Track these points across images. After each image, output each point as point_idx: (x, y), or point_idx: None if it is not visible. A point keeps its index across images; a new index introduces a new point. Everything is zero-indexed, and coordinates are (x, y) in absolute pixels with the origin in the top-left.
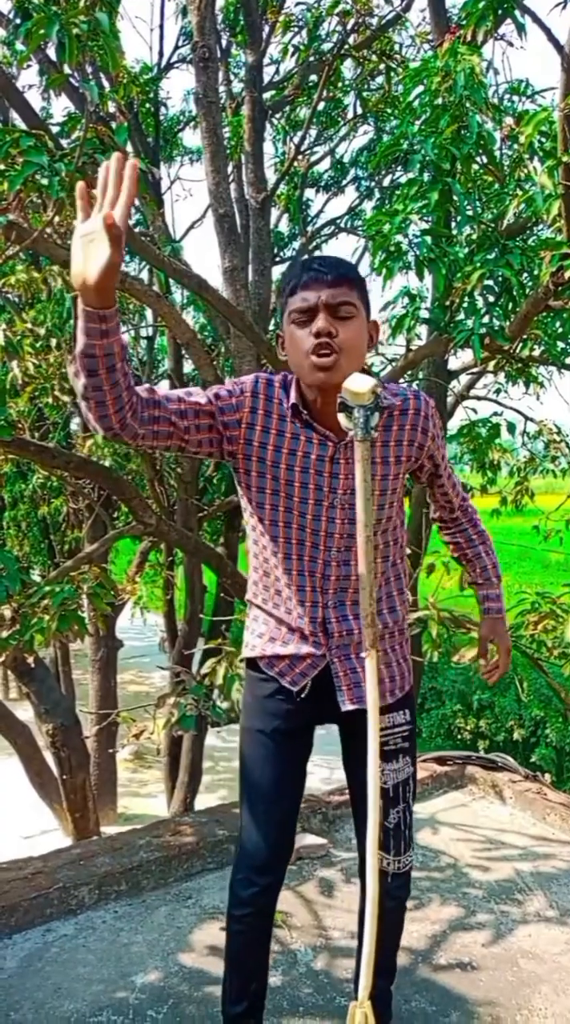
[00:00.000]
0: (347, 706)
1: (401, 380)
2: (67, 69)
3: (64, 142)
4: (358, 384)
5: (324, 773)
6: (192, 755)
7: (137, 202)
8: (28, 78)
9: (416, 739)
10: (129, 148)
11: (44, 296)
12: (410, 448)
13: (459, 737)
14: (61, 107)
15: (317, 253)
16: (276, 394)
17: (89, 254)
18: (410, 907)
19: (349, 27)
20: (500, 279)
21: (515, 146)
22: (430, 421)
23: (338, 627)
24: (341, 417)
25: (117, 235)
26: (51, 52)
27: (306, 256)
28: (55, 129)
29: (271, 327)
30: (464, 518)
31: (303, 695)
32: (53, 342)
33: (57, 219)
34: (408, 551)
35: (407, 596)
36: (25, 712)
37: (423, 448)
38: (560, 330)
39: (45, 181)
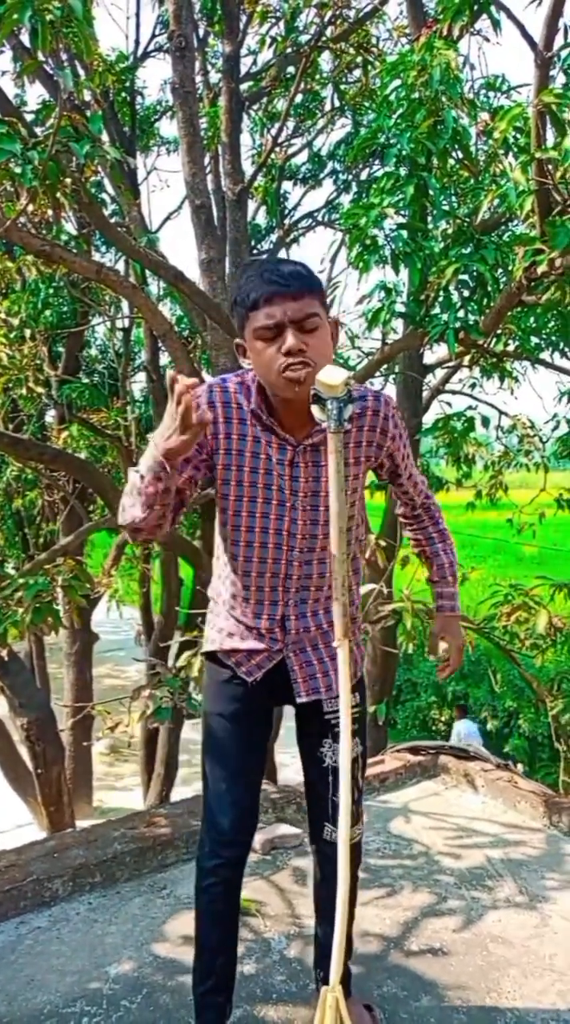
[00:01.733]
0: (302, 698)
1: (377, 373)
2: (41, 56)
3: (39, 130)
4: (331, 376)
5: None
6: (168, 748)
7: (113, 191)
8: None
9: (366, 720)
10: (104, 137)
11: (18, 286)
12: (369, 448)
13: (434, 728)
14: (35, 95)
15: (266, 257)
16: (232, 399)
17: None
18: (382, 894)
19: (326, 19)
20: (475, 274)
21: (490, 141)
22: (390, 421)
23: (296, 624)
24: (315, 409)
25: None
26: (25, 39)
27: (259, 264)
28: (30, 117)
29: None
30: (426, 516)
31: (258, 682)
32: (27, 333)
33: (31, 208)
34: (383, 543)
35: (359, 587)
36: None
37: (382, 448)
38: (534, 325)
39: (18, 170)
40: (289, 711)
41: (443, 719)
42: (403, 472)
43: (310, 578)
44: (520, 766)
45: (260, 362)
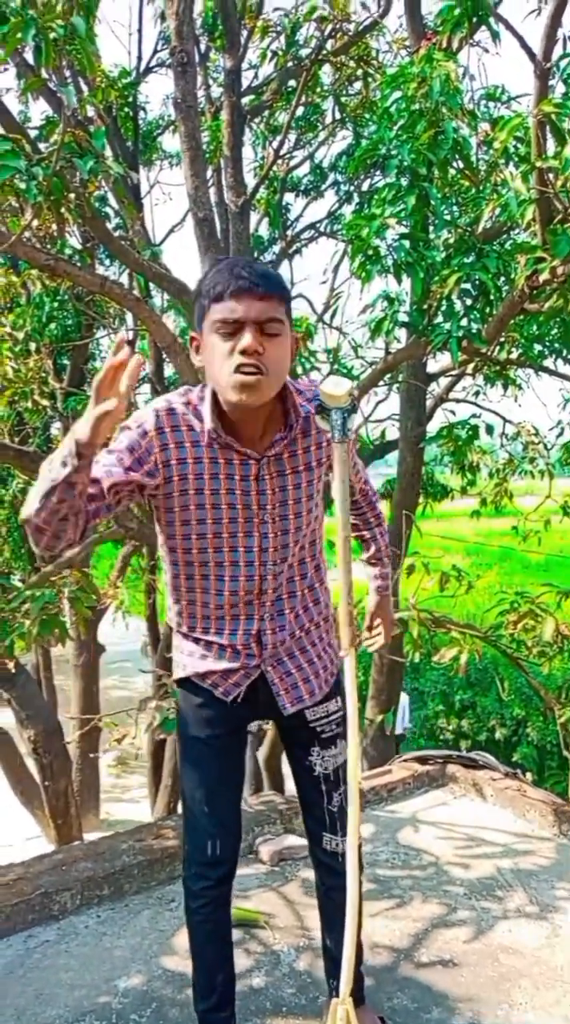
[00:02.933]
0: (288, 709)
1: (380, 383)
2: (44, 73)
3: (43, 146)
4: (335, 387)
5: None
6: (175, 759)
7: (116, 205)
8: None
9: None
10: (107, 152)
11: (23, 300)
12: (327, 447)
13: (441, 737)
14: (39, 111)
15: (232, 257)
16: (182, 421)
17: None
18: (392, 905)
19: (327, 33)
20: (477, 282)
21: (491, 151)
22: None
23: (272, 638)
24: (318, 419)
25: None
26: (29, 56)
27: (231, 259)
28: (33, 133)
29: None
30: (364, 501)
31: (237, 702)
32: (32, 346)
33: (35, 223)
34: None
35: (328, 587)
36: (6, 718)
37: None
38: (536, 333)
39: (23, 185)
40: None
41: (451, 728)
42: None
43: (283, 587)
44: (529, 775)
45: (212, 358)
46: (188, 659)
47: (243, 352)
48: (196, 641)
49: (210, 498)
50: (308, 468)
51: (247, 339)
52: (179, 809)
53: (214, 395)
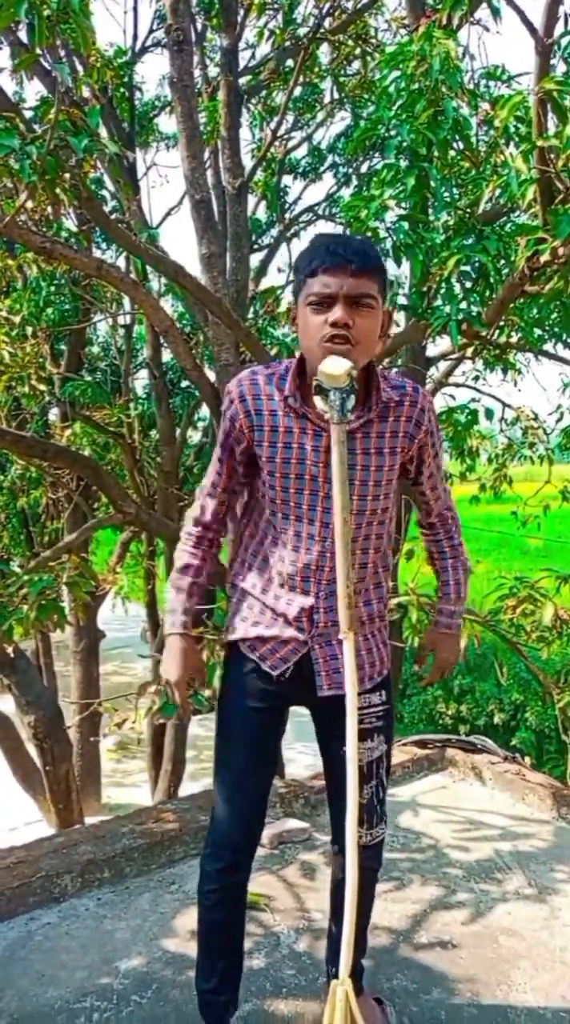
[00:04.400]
0: (324, 691)
1: (379, 367)
2: (39, 51)
3: (38, 127)
4: (333, 367)
5: (307, 759)
6: (175, 744)
7: (112, 188)
8: None
9: (394, 721)
10: (103, 132)
11: (19, 284)
12: (404, 439)
13: (440, 722)
14: (34, 91)
15: (333, 234)
16: (263, 391)
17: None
18: (391, 888)
19: (324, 11)
20: (477, 265)
21: (491, 131)
22: (425, 414)
23: (324, 617)
24: (317, 400)
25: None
26: (22, 34)
27: (329, 235)
28: (28, 114)
29: (249, 316)
30: (441, 528)
31: (284, 677)
32: (29, 331)
33: (30, 205)
34: None
35: (389, 584)
36: (6, 704)
37: (414, 439)
38: (537, 316)
39: (16, 165)
40: (300, 710)
41: (450, 713)
42: (425, 471)
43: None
44: (527, 759)
45: (305, 329)
46: (241, 624)
47: (333, 324)
48: (253, 600)
49: (282, 467)
50: (379, 453)
51: (338, 312)
52: (180, 793)
53: (300, 364)
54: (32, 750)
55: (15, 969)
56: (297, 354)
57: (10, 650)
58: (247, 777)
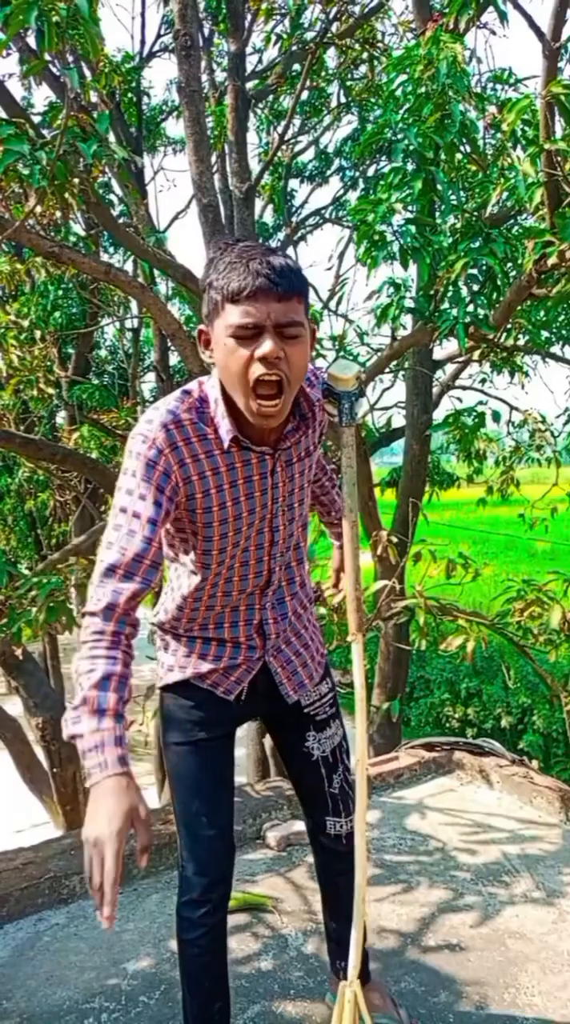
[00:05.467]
0: (292, 697)
1: (387, 369)
2: (47, 57)
3: (46, 132)
4: (343, 371)
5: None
6: None
7: (120, 192)
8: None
9: (338, 700)
10: (111, 137)
11: (28, 288)
12: (316, 439)
13: (447, 725)
14: (43, 97)
15: (246, 244)
16: (191, 433)
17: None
18: (399, 890)
19: (331, 15)
20: (484, 268)
21: (498, 134)
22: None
23: (275, 627)
24: (325, 403)
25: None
26: (31, 40)
27: (244, 248)
28: (37, 119)
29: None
30: (331, 485)
31: (240, 700)
32: (37, 334)
33: (39, 210)
34: (395, 539)
35: (307, 565)
36: (14, 706)
37: (322, 424)
38: (544, 319)
39: (26, 171)
40: None
41: (457, 716)
42: (329, 466)
43: (284, 576)
44: (535, 763)
45: (228, 363)
46: (185, 660)
47: (263, 359)
48: (193, 640)
49: (231, 508)
50: (308, 454)
51: (268, 346)
52: None
53: (225, 394)
54: (39, 752)
55: (24, 970)
56: (213, 377)
57: (18, 652)
58: (220, 816)
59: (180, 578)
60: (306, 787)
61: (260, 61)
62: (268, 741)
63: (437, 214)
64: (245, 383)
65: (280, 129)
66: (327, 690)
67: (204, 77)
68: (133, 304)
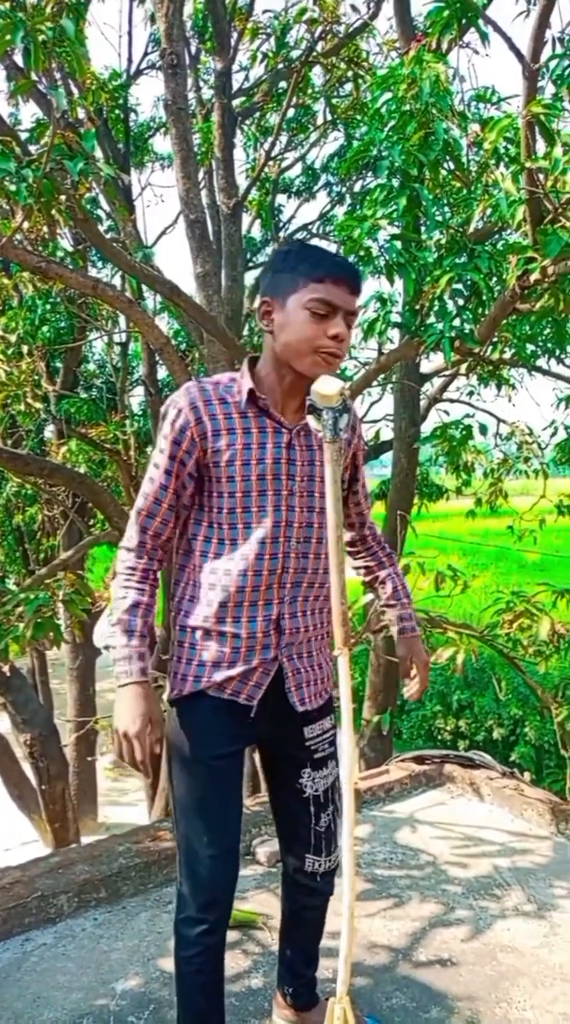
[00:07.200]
0: (299, 707)
1: (374, 383)
2: (35, 76)
3: (33, 149)
4: (327, 387)
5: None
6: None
7: (108, 208)
8: None
9: (337, 744)
10: (98, 154)
11: (15, 302)
12: (352, 438)
13: (439, 738)
14: (30, 113)
15: (316, 244)
16: (213, 396)
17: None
18: (390, 905)
19: (317, 35)
20: (469, 283)
21: (481, 152)
22: (356, 418)
23: (290, 624)
24: (310, 419)
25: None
26: (18, 59)
27: (319, 247)
28: (24, 136)
29: (244, 333)
30: (372, 539)
31: (261, 706)
32: (25, 348)
33: (26, 225)
34: None
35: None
36: (2, 723)
37: (351, 445)
38: (529, 332)
39: (13, 188)
40: None
41: (448, 728)
42: (360, 477)
43: (304, 573)
44: (527, 774)
45: (297, 330)
46: (201, 670)
47: (334, 337)
48: (209, 636)
49: (242, 469)
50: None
51: (340, 326)
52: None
53: (252, 365)
54: (28, 769)
55: (10, 991)
56: (245, 364)
57: (6, 668)
58: (225, 838)
59: (201, 555)
60: (290, 822)
61: (246, 79)
62: (258, 754)
63: (422, 230)
64: (311, 349)
65: (267, 146)
66: (329, 726)
67: (191, 95)
68: (121, 318)
